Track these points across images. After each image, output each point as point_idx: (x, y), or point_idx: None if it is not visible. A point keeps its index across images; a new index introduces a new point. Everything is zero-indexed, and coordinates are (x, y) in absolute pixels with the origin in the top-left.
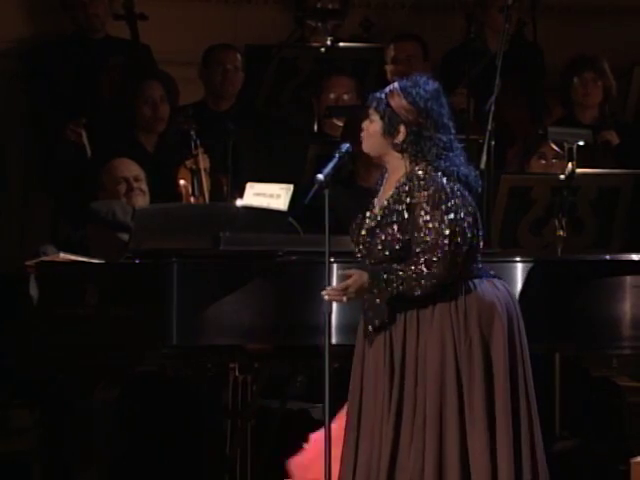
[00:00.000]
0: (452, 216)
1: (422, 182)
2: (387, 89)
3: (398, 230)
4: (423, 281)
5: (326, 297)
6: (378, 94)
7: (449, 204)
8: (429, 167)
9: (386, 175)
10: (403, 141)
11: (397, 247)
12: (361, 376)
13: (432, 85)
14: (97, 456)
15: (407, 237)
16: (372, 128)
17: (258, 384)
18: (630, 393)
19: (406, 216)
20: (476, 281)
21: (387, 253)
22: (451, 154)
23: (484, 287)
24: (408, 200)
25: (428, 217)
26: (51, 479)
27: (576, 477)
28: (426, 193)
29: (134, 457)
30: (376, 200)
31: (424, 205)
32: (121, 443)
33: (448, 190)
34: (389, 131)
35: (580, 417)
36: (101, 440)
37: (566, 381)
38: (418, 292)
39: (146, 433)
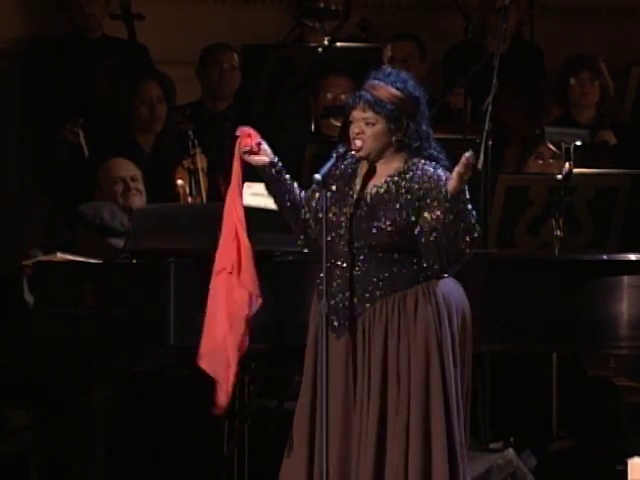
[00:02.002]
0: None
1: (426, 173)
2: (370, 88)
3: (397, 216)
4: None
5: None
6: (365, 96)
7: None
8: (425, 157)
9: (365, 164)
10: (404, 134)
11: (396, 232)
12: (322, 373)
13: (405, 73)
14: (95, 456)
15: (411, 219)
16: (374, 130)
17: (255, 384)
18: (627, 393)
19: (408, 199)
20: (447, 280)
21: (385, 238)
22: (432, 141)
23: (454, 286)
24: (409, 186)
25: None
26: (49, 479)
27: (573, 477)
28: (434, 184)
29: (132, 457)
30: (353, 188)
31: (437, 196)
32: (119, 443)
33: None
34: (395, 127)
35: (577, 417)
36: (99, 440)
37: (563, 381)
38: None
39: (144, 433)
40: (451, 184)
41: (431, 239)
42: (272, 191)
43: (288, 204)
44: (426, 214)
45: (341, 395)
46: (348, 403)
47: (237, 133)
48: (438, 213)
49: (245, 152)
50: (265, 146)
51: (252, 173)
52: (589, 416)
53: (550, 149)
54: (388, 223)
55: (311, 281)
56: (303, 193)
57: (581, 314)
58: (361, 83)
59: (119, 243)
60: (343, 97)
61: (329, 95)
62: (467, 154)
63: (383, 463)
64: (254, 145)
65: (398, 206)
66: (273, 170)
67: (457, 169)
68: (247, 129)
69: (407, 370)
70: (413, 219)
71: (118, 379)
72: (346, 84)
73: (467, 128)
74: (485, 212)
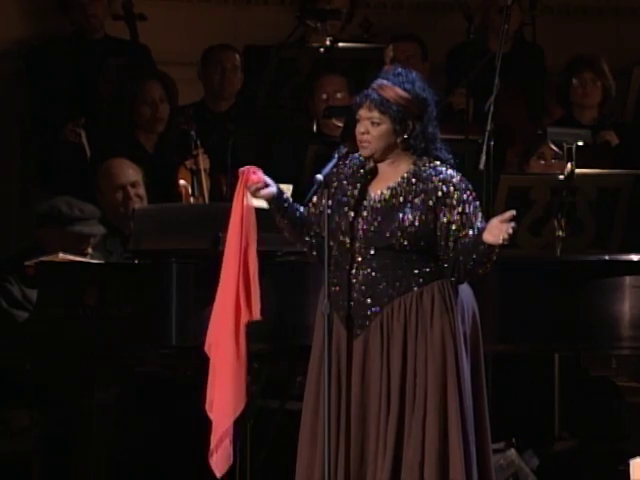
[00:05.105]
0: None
1: (439, 174)
2: (378, 87)
3: (414, 217)
4: None
5: (511, 230)
6: (372, 95)
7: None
8: (432, 158)
9: (371, 163)
10: (410, 135)
11: (412, 232)
12: (337, 372)
13: (415, 74)
14: (97, 456)
15: (427, 220)
16: (379, 130)
17: (257, 384)
18: (629, 393)
19: (424, 201)
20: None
21: (401, 238)
22: (438, 143)
23: (464, 285)
24: (424, 187)
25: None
26: (51, 479)
27: (575, 477)
28: (450, 187)
29: (133, 457)
30: (363, 190)
31: (455, 202)
32: (120, 443)
33: (468, 186)
34: (400, 128)
35: (579, 417)
36: (101, 440)
37: (565, 381)
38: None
39: (145, 433)
40: (491, 236)
41: (450, 245)
42: (286, 218)
43: (299, 224)
44: (443, 218)
45: (358, 395)
46: (365, 403)
47: (240, 173)
48: (456, 217)
49: (257, 189)
50: (267, 178)
51: None
52: (591, 416)
53: (552, 149)
54: (405, 224)
55: (313, 281)
56: (303, 208)
57: (583, 314)
58: (361, 83)
59: (82, 229)
60: (339, 96)
61: (324, 95)
62: (513, 212)
63: (401, 463)
64: (261, 180)
65: (414, 207)
66: (284, 197)
67: (500, 223)
68: (248, 167)
69: (424, 367)
70: (429, 220)
71: (120, 379)
72: (340, 83)
73: (469, 128)
74: (487, 212)
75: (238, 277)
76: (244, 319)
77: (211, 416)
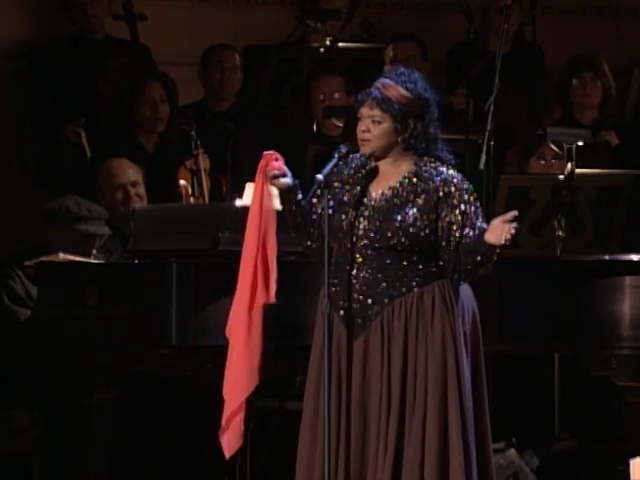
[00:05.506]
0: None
1: (441, 174)
2: (380, 86)
3: (416, 217)
4: None
5: (513, 231)
6: (374, 93)
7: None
8: (435, 158)
9: (372, 163)
10: (410, 135)
11: (414, 232)
12: (338, 372)
13: (417, 74)
14: (97, 456)
15: (429, 219)
16: (380, 129)
17: (257, 384)
18: (629, 393)
19: (426, 200)
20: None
21: (402, 238)
22: (439, 143)
23: (464, 286)
24: (425, 187)
25: (469, 209)
26: (51, 479)
27: (575, 477)
28: (451, 187)
29: (133, 457)
30: (365, 190)
31: (456, 202)
32: (120, 443)
33: (469, 187)
34: (401, 127)
35: (579, 417)
36: (101, 440)
37: (565, 381)
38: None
39: (145, 433)
40: (493, 237)
41: (451, 245)
42: (297, 212)
43: (305, 223)
44: (444, 218)
45: (359, 395)
46: (365, 403)
47: (263, 156)
48: (457, 217)
49: (275, 176)
50: (286, 168)
51: (251, 173)
52: (591, 416)
53: (552, 149)
54: (406, 224)
55: (313, 281)
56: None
57: (583, 314)
58: (361, 83)
59: (88, 229)
60: (336, 96)
61: (321, 96)
62: (515, 212)
63: (402, 463)
64: (282, 169)
65: (415, 207)
66: (298, 191)
67: (502, 223)
68: (272, 152)
69: (424, 367)
70: (430, 220)
71: (120, 379)
72: (338, 83)
73: (469, 128)
74: (487, 212)
75: (256, 259)
76: (261, 301)
77: (225, 398)
